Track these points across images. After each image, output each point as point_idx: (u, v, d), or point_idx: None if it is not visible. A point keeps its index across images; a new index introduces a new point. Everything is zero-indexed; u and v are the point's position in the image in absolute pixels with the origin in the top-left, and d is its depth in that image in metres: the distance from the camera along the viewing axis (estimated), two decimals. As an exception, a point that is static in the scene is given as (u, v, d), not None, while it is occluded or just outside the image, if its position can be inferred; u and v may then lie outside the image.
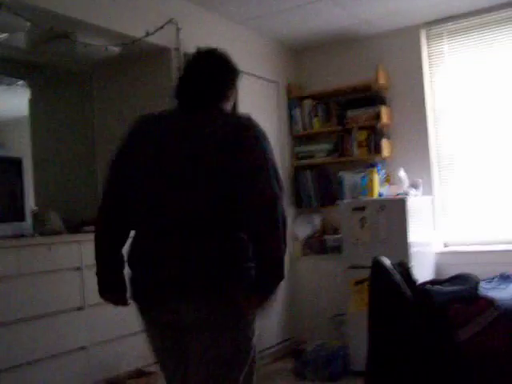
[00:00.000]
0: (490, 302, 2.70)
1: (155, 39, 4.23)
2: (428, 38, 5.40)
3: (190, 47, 4.49)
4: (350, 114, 5.48)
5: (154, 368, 3.81)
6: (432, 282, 2.70)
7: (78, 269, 3.49)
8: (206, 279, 2.05)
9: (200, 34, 4.66)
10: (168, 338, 2.24)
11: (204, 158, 2.10)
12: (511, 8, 4.96)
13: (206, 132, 2.16)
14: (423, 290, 2.55)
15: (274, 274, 2.08)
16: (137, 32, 4.11)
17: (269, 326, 5.09)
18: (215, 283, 2.06)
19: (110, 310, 3.63)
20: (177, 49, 4.41)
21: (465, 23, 5.20)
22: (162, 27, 4.23)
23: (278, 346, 5.20)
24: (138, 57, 4.47)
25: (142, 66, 4.55)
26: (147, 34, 4.14)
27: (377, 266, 2.65)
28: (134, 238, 2.27)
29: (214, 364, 2.10)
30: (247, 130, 2.15)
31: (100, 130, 4.83)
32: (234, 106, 2.50)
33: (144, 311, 2.26)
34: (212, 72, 2.36)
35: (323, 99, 5.70)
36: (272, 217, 2.01)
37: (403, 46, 5.44)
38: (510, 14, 5.00)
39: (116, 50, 4.14)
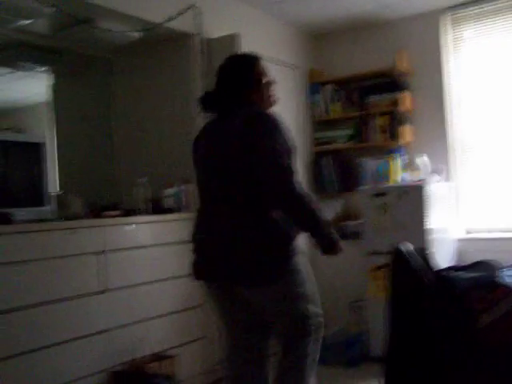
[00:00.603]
0: (510, 290, 2.68)
1: (176, 25, 4.23)
2: (450, 23, 5.33)
3: (212, 33, 4.52)
4: (370, 99, 5.45)
5: (174, 352, 3.88)
6: (452, 268, 2.69)
7: (100, 253, 3.53)
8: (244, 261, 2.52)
9: (221, 19, 4.65)
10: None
11: (228, 155, 2.55)
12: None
13: (226, 133, 2.58)
14: (443, 276, 2.54)
15: (313, 226, 2.54)
16: (157, 17, 4.11)
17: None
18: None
19: (131, 293, 3.72)
20: (198, 34, 4.41)
21: (489, 7, 5.12)
22: (183, 13, 4.24)
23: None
24: (159, 42, 4.48)
25: (163, 51, 4.56)
26: (169, 19, 4.14)
27: (397, 252, 2.65)
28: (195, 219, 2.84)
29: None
30: (253, 124, 2.51)
31: (120, 115, 4.85)
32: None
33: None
34: (225, 78, 2.74)
35: (344, 85, 5.66)
36: (286, 196, 2.45)
37: (424, 31, 5.38)
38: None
39: (137, 35, 4.15)
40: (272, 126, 2.50)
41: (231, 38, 4.40)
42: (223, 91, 2.70)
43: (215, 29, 4.55)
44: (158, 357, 3.72)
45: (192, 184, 4.32)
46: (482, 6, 5.13)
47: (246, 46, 4.59)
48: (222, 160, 2.58)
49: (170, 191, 4.23)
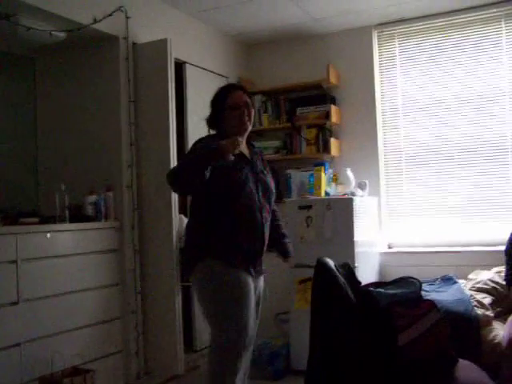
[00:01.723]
0: (431, 305, 2.71)
1: (103, 27, 4.11)
2: (379, 39, 5.44)
3: (140, 37, 4.41)
4: (299, 111, 5.47)
5: (92, 365, 3.73)
6: (375, 284, 2.70)
7: (12, 262, 3.35)
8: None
9: (150, 24, 4.55)
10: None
11: None
12: (458, 14, 5.07)
13: None
14: (366, 292, 2.53)
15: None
16: (84, 18, 3.98)
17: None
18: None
19: (46, 305, 3.55)
20: (125, 38, 4.29)
21: (415, 27, 5.28)
22: (110, 14, 4.12)
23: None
24: (85, 44, 4.33)
25: (89, 53, 4.41)
26: (95, 21, 4.02)
27: (320, 266, 2.63)
28: None
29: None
30: None
31: (43, 117, 4.66)
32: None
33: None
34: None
35: (273, 96, 5.66)
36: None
37: (355, 45, 5.46)
38: (457, 20, 5.11)
39: (61, 35, 3.99)
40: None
41: (160, 44, 4.31)
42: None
43: (144, 33, 4.45)
44: (76, 371, 3.56)
45: (115, 192, 4.20)
46: (409, 24, 5.27)
47: (176, 53, 4.52)
48: None
49: (91, 198, 4.08)
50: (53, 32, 3.93)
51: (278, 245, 3.21)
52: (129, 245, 4.27)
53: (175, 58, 4.53)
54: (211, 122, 3.10)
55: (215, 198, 2.85)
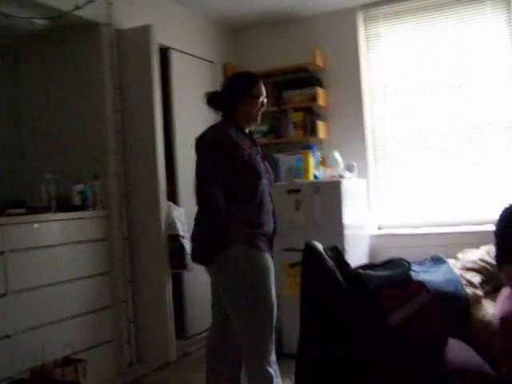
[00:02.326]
0: (421, 286, 2.72)
1: (85, 13, 4.04)
2: (364, 21, 5.41)
3: (123, 23, 4.36)
4: (286, 95, 5.44)
5: (84, 355, 3.72)
6: (364, 267, 2.70)
7: (1, 253, 3.32)
8: None
9: (133, 10, 4.50)
10: None
11: None
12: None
13: None
14: (355, 275, 2.53)
15: None
16: (65, 5, 3.91)
17: (202, 309, 5.04)
18: None
19: (36, 295, 3.53)
20: (108, 24, 4.24)
21: (400, 7, 5.25)
22: (92, 1, 4.05)
23: (212, 329, 5.14)
24: (68, 31, 4.27)
25: (72, 41, 4.35)
26: (76, 8, 3.95)
27: (309, 250, 2.63)
28: None
29: None
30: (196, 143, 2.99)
31: (27, 107, 4.61)
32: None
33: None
34: (227, 86, 3.14)
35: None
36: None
37: (340, 27, 5.43)
38: (441, 1, 5.09)
39: (42, 23, 3.94)
40: (203, 147, 2.94)
41: (144, 30, 4.26)
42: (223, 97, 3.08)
43: (127, 19, 4.39)
44: (67, 360, 3.55)
45: (102, 180, 4.17)
46: (394, 4, 5.24)
47: (160, 38, 4.47)
48: None
49: (78, 187, 4.05)
50: (33, 19, 3.87)
51: None
52: (117, 233, 4.25)
53: (160, 44, 4.49)
54: (221, 103, 3.08)
55: (240, 186, 2.88)
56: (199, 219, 2.98)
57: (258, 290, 2.83)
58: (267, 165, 3.11)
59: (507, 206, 3.82)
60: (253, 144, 3.06)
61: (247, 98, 3.02)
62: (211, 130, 2.98)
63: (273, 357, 2.86)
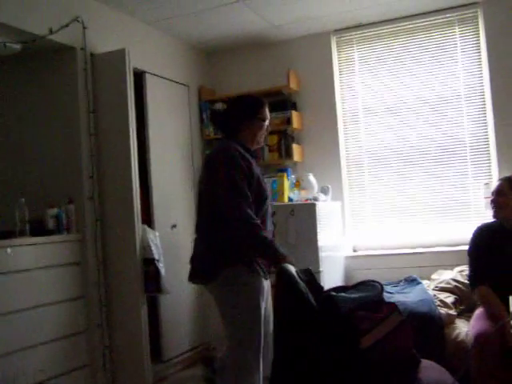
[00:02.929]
0: (393, 308, 2.74)
1: (60, 38, 4.07)
2: (338, 45, 5.50)
3: (98, 48, 4.38)
4: (261, 118, 5.47)
5: (56, 382, 3.67)
6: (337, 289, 2.72)
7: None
8: None
9: (108, 34, 4.52)
10: None
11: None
12: (414, 19, 5.19)
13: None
14: (328, 298, 2.55)
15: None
16: (39, 29, 3.93)
17: (179, 332, 5.02)
18: None
19: (7, 321, 3.48)
20: (82, 49, 4.25)
21: (372, 32, 5.36)
22: (66, 25, 4.08)
23: (188, 353, 5.12)
24: (42, 55, 4.27)
25: (46, 65, 4.35)
26: (50, 32, 3.97)
27: (281, 273, 2.64)
28: None
29: None
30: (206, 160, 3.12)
31: (0, 130, 4.58)
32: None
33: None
34: (233, 108, 3.22)
35: (235, 103, 5.66)
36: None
37: (314, 51, 5.51)
38: (413, 25, 5.23)
39: (16, 47, 3.93)
40: (215, 164, 2.96)
41: (118, 54, 4.28)
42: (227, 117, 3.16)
43: (102, 43, 4.41)
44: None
45: (76, 204, 4.15)
46: (367, 30, 5.36)
47: (135, 62, 4.50)
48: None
49: (52, 211, 4.03)
50: (7, 44, 3.87)
51: None
52: (92, 257, 4.22)
53: (134, 68, 4.50)
54: (227, 124, 3.14)
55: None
56: (212, 235, 2.99)
57: (247, 310, 2.93)
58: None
59: (479, 225, 3.89)
60: (257, 164, 3.10)
61: (253, 121, 3.08)
62: (225, 145, 3.01)
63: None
